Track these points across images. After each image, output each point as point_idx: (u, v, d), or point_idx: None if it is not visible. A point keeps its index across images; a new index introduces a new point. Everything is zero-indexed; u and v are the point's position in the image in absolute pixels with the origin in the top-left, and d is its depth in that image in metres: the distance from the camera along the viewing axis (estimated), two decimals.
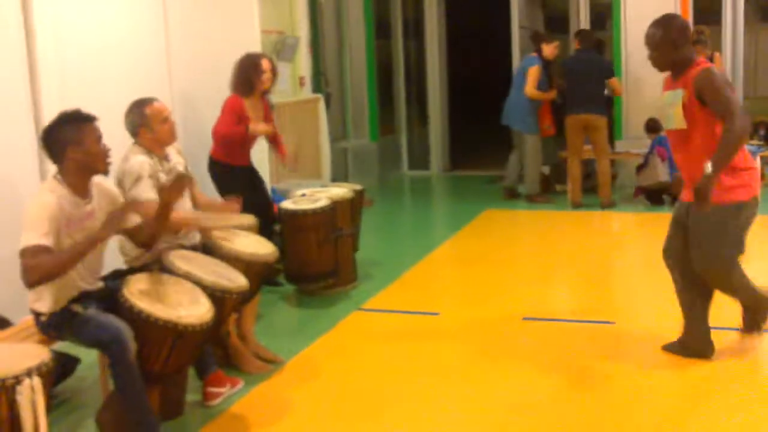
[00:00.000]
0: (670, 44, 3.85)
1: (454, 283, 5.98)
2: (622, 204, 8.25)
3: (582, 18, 9.65)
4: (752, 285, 4.02)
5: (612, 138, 8.78)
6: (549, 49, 8.30)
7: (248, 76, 5.36)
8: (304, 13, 8.70)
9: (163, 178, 4.02)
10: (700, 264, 3.94)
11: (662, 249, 4.22)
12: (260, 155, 6.42)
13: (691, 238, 3.95)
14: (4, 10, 4.30)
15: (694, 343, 4.12)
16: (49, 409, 2.79)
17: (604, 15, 9.89)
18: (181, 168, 4.23)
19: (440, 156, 10.92)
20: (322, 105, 8.70)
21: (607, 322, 4.83)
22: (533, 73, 8.21)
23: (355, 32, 10.13)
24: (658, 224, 7.69)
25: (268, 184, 6.43)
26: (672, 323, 4.34)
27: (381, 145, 10.47)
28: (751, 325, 4.14)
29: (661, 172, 7.86)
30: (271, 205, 5.77)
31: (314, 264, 5.33)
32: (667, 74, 4.08)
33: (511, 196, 8.77)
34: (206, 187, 5.31)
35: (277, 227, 5.66)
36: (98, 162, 3.36)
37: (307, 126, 8.55)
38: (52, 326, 3.32)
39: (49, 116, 3.66)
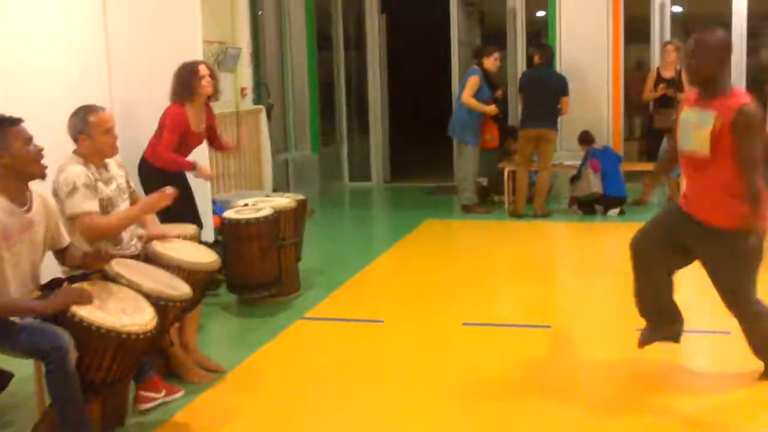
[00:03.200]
0: (715, 57, 3.61)
1: (396, 291, 6.06)
2: (556, 214, 8.46)
3: (519, 35, 9.89)
4: None
5: None
6: (489, 62, 8.49)
7: (186, 81, 5.34)
8: (246, 24, 8.74)
9: (102, 187, 3.99)
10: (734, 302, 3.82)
11: (635, 238, 4.01)
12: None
13: (713, 269, 3.81)
14: None
15: (667, 329, 4.09)
16: None
17: (540, 32, 10.16)
18: (121, 180, 4.21)
19: (381, 167, 11.03)
20: (263, 116, 8.73)
21: (544, 326, 4.97)
22: (471, 81, 8.41)
23: (297, 44, 10.20)
24: (590, 233, 7.99)
25: (209, 195, 6.41)
26: (605, 326, 4.49)
27: (322, 156, 10.52)
28: None
29: (593, 184, 8.10)
30: (198, 214, 5.70)
31: (257, 273, 5.34)
32: (689, 90, 3.93)
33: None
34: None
35: (219, 237, 5.66)
36: (29, 165, 3.30)
37: (249, 137, 8.56)
38: None
39: None
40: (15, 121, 3.32)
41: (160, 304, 3.53)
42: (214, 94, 5.52)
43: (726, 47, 3.65)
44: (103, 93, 5.45)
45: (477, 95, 8.38)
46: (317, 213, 8.77)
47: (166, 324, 3.66)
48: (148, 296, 3.51)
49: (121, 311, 3.32)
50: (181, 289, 3.71)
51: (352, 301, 5.72)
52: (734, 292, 3.79)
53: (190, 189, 5.56)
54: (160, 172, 5.31)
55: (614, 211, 8.20)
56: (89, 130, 3.96)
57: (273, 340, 4.89)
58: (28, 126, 3.38)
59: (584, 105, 9.19)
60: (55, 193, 3.84)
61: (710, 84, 3.64)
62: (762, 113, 3.58)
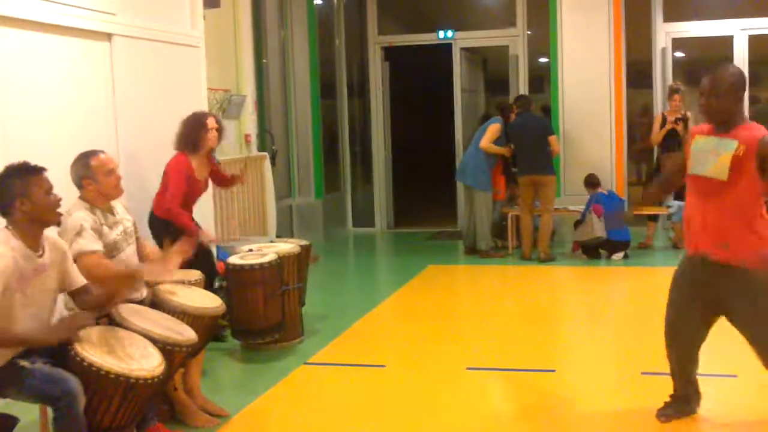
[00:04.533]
0: (734, 94, 3.62)
1: (399, 336, 6.07)
2: (561, 258, 8.48)
3: (521, 81, 10.04)
4: None
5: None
6: (513, 117, 8.67)
7: (194, 134, 5.43)
8: (251, 72, 8.84)
9: (107, 231, 4.04)
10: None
11: (668, 323, 3.94)
12: (206, 213, 6.52)
13: (749, 318, 3.71)
14: None
15: (688, 403, 4.04)
16: None
17: (542, 79, 10.31)
18: (128, 224, 4.27)
19: (384, 213, 11.10)
20: (267, 163, 8.80)
21: (549, 370, 4.96)
22: (493, 129, 8.58)
23: (301, 92, 10.34)
24: (595, 277, 8.00)
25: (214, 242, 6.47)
26: (609, 370, 4.48)
27: (326, 202, 10.59)
28: None
29: (597, 228, 8.14)
30: (214, 262, 5.78)
31: (261, 319, 5.36)
32: (699, 125, 3.91)
33: (472, 251, 8.91)
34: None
35: (223, 283, 5.70)
36: (48, 214, 3.38)
37: (253, 183, 8.63)
38: None
39: None
40: (39, 170, 3.39)
41: (167, 349, 3.56)
42: (215, 146, 5.60)
43: (742, 83, 3.67)
44: (110, 140, 5.53)
45: (494, 143, 8.56)
46: (321, 258, 8.81)
47: (172, 369, 3.68)
48: (155, 341, 3.54)
49: (129, 356, 3.35)
50: (187, 334, 3.74)
51: (354, 347, 5.72)
52: None
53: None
54: (170, 224, 5.33)
55: (618, 256, 8.23)
56: (93, 173, 4.04)
57: (276, 385, 4.88)
58: None
59: (587, 149, 9.29)
60: (62, 237, 3.90)
61: (728, 118, 3.65)
62: None
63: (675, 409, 4.02)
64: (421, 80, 12.66)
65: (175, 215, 5.30)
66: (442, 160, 9.22)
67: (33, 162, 3.43)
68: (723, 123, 3.66)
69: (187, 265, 4.48)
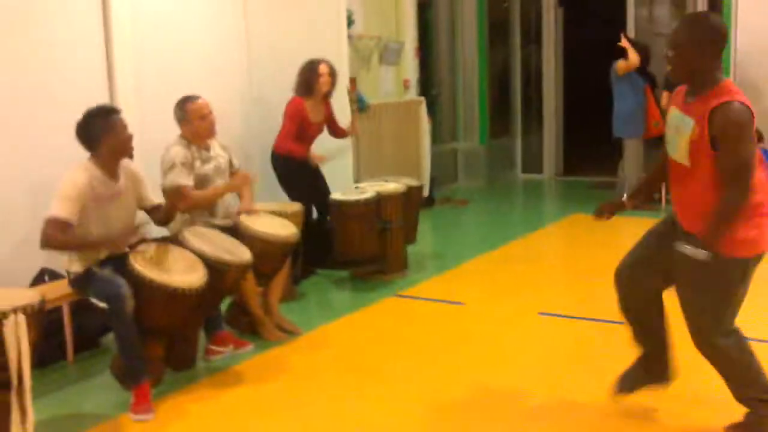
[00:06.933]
0: (693, 47, 3.06)
1: (494, 278, 6.19)
2: None
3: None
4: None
5: None
6: None
7: (307, 79, 5.94)
8: (412, 19, 9.18)
9: (198, 165, 4.68)
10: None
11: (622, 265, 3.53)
12: (345, 160, 7.10)
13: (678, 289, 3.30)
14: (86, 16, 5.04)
15: (657, 370, 3.59)
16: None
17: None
18: (222, 161, 4.87)
19: (553, 160, 11.07)
20: (423, 107, 9.13)
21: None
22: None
23: (468, 38, 10.54)
24: None
25: (352, 182, 6.99)
26: None
27: (492, 148, 10.77)
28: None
29: None
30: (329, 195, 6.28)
31: (357, 250, 5.82)
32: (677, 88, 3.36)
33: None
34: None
35: None
36: (127, 146, 4.01)
37: (408, 127, 9.00)
38: (77, 283, 4.04)
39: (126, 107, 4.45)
40: (117, 111, 4.06)
41: (218, 267, 4.11)
42: (329, 90, 6.05)
43: (711, 36, 3.07)
44: (243, 86, 6.17)
45: (631, 80, 8.24)
46: (473, 202, 9.09)
47: (225, 285, 4.23)
48: (207, 260, 4.10)
49: (174, 270, 3.94)
50: (240, 256, 4.27)
51: (447, 284, 5.98)
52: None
53: (318, 172, 6.15)
54: (290, 160, 5.94)
55: None
56: (188, 116, 4.68)
57: (356, 312, 5.34)
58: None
59: (763, 100, 8.64)
60: (161, 167, 4.60)
61: (694, 78, 3.13)
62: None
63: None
64: (596, 28, 12.28)
65: (287, 149, 5.87)
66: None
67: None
68: (690, 85, 3.18)
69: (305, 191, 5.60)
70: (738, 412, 3.36)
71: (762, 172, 3.14)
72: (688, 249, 3.08)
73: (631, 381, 3.61)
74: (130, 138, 4.05)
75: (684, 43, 3.08)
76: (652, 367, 3.57)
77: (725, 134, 2.98)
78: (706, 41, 3.06)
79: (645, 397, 3.64)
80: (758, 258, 3.15)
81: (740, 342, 3.27)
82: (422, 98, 9.18)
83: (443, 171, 10.21)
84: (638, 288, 3.46)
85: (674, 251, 3.14)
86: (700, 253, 3.04)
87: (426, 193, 8.94)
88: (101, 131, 3.96)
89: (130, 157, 4.13)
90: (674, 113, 3.25)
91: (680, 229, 3.25)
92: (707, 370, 3.37)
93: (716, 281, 3.13)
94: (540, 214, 9.21)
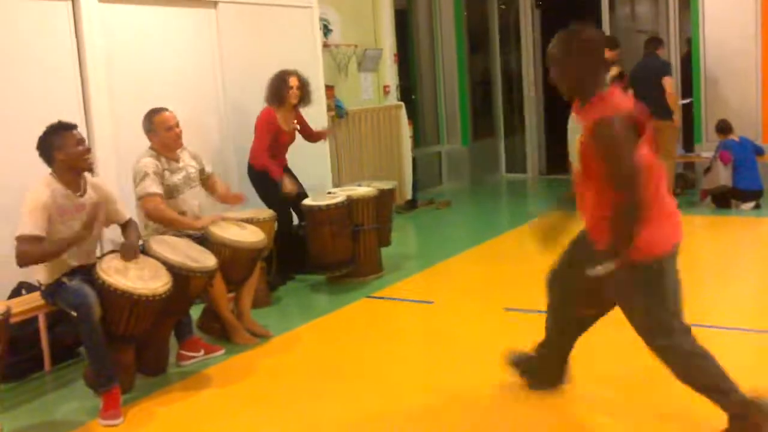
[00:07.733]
0: (570, 61, 3.12)
1: (464, 276, 6.31)
2: (688, 206, 8.20)
3: (671, 20, 9.61)
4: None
5: (692, 141, 8.84)
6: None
7: (278, 89, 6.09)
8: (389, 26, 9.34)
9: (168, 175, 4.83)
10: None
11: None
12: (323, 166, 7.26)
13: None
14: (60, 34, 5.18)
15: (547, 373, 3.81)
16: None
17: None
18: (192, 170, 5.03)
19: (536, 160, 11.23)
20: (403, 112, 9.27)
21: None
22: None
23: (447, 44, 10.74)
24: (723, 227, 7.69)
25: (330, 187, 7.13)
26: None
27: (475, 149, 10.93)
28: None
29: (722, 176, 7.81)
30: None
31: (330, 254, 5.96)
32: None
33: None
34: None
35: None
36: (79, 161, 4.12)
37: (389, 132, 9.13)
38: (48, 294, 4.19)
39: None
40: (70, 127, 4.19)
41: (182, 274, 4.26)
42: (303, 102, 6.21)
43: (583, 44, 3.12)
44: (218, 99, 6.32)
45: None
46: (457, 203, 9.22)
47: (191, 291, 4.38)
48: (171, 267, 4.26)
49: (139, 278, 4.09)
50: (204, 262, 4.42)
51: (418, 285, 6.10)
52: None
53: (294, 179, 6.24)
54: (263, 174, 6.08)
55: (748, 206, 7.85)
56: (155, 128, 4.84)
57: (328, 315, 5.48)
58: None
59: (730, 92, 8.79)
60: (133, 179, 4.76)
61: (576, 92, 3.18)
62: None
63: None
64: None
65: (261, 162, 6.02)
66: None
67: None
68: (576, 96, 3.19)
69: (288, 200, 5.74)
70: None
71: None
72: (598, 269, 3.04)
73: (523, 366, 3.86)
74: (84, 152, 4.15)
75: (561, 59, 3.14)
76: (547, 368, 3.80)
77: (606, 149, 3.00)
78: (582, 54, 3.10)
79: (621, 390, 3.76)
80: (672, 254, 3.16)
81: (687, 338, 3.22)
82: (401, 103, 9.33)
83: (428, 173, 10.38)
84: (567, 311, 3.60)
85: (588, 278, 3.10)
86: (608, 266, 3.02)
87: (409, 196, 9.13)
88: (53, 147, 4.10)
89: (89, 170, 4.27)
90: (572, 117, 3.25)
91: (590, 244, 3.23)
92: None
93: (639, 286, 3.14)
94: (522, 213, 9.30)
